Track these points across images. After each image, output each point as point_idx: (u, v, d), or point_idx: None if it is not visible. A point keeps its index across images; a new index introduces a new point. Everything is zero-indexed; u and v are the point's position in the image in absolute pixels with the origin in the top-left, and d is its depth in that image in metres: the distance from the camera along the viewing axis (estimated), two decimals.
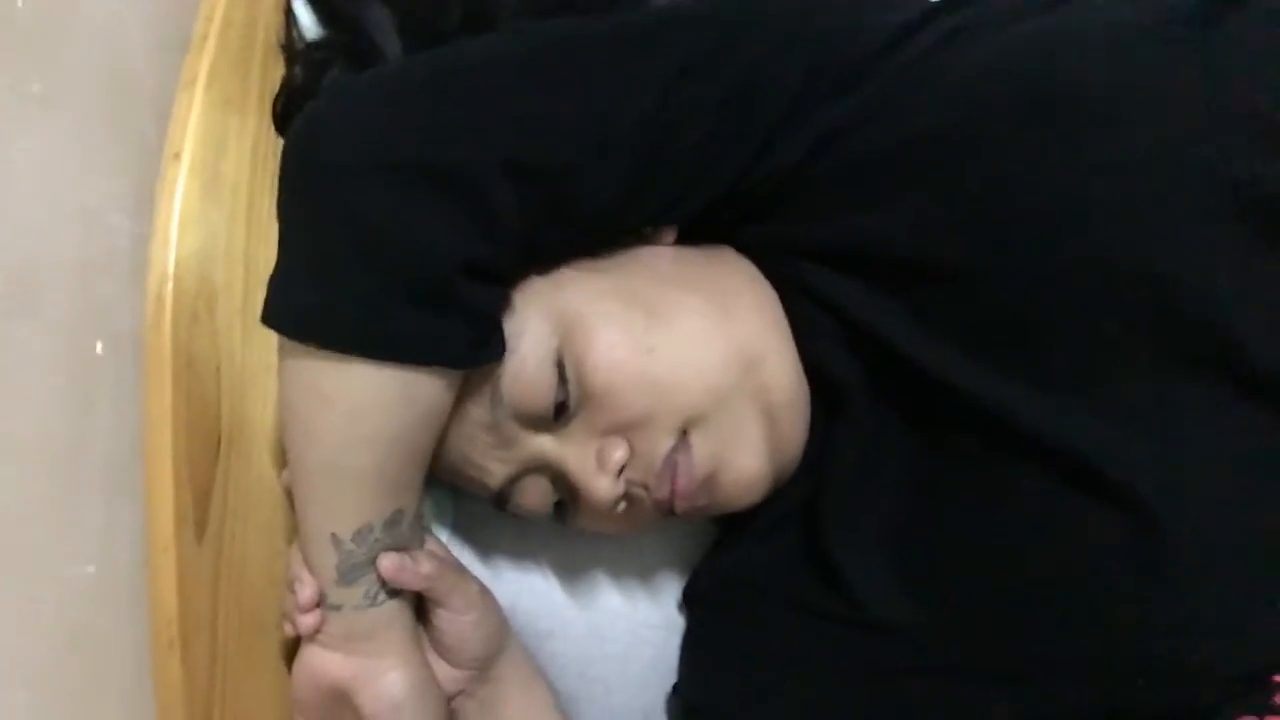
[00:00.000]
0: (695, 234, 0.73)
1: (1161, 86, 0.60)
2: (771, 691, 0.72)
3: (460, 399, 0.66)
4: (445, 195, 0.60)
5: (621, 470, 0.67)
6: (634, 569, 0.80)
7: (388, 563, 0.66)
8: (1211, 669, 0.59)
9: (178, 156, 0.73)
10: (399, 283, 0.60)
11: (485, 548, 0.80)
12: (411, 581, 0.67)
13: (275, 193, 0.65)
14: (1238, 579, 0.59)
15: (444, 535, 0.79)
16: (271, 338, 0.72)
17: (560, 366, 0.67)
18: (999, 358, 0.63)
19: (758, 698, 0.73)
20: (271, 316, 0.63)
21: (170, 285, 0.72)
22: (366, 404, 0.62)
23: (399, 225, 0.60)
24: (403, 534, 0.67)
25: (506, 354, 0.65)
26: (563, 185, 0.63)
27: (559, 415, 0.67)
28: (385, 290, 0.60)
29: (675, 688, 0.78)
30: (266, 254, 0.77)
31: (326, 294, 0.61)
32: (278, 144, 0.79)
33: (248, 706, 0.74)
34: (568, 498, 0.71)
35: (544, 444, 0.68)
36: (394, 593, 0.68)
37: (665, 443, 0.67)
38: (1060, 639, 0.62)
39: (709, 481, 0.69)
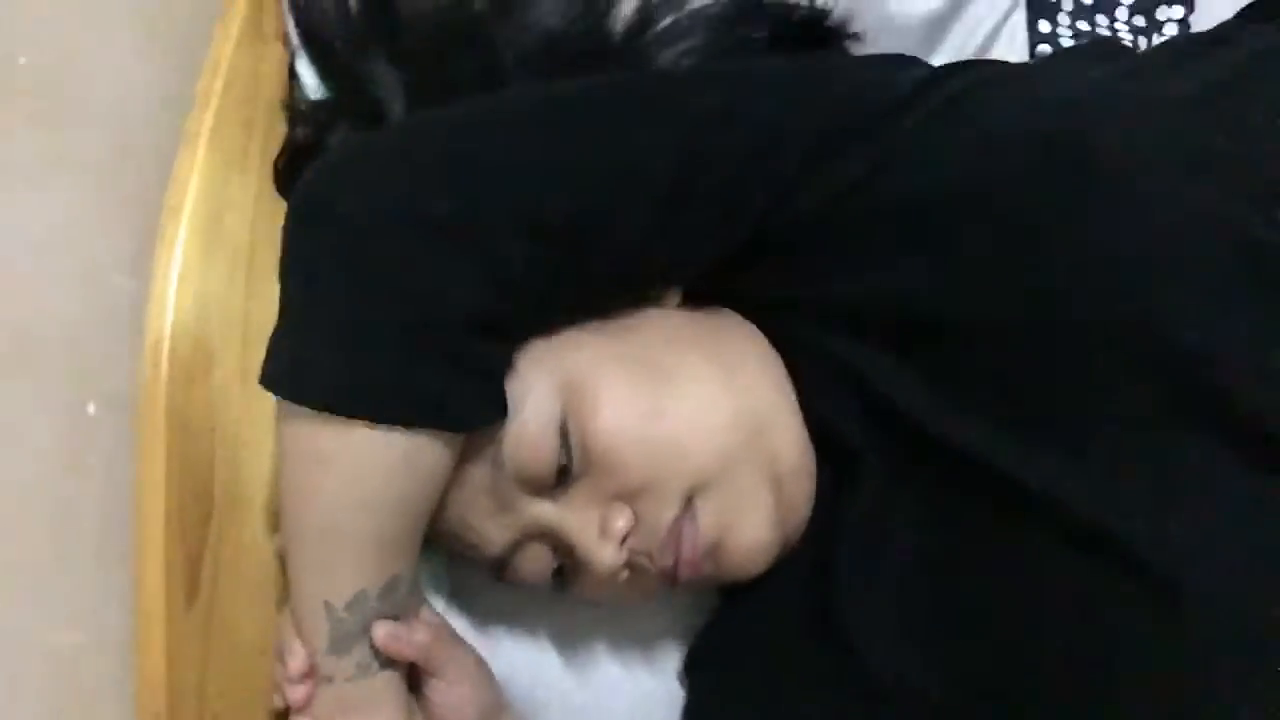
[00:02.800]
0: (699, 297, 0.72)
1: (1182, 148, 0.60)
2: None
3: (460, 462, 0.65)
4: (456, 249, 0.59)
5: (625, 538, 0.66)
6: (633, 638, 0.78)
7: (382, 631, 0.64)
8: None
9: (177, 212, 0.73)
10: (404, 338, 0.59)
11: (482, 617, 0.78)
12: (406, 651, 0.66)
13: (276, 252, 0.65)
14: (1253, 646, 0.58)
15: (440, 604, 0.77)
16: (268, 400, 0.71)
17: (564, 430, 0.65)
18: (1011, 422, 0.62)
19: None
20: (270, 377, 0.62)
21: (166, 345, 0.70)
22: (366, 466, 0.60)
23: (408, 278, 0.59)
24: (399, 602, 0.65)
25: (509, 416, 0.64)
26: (579, 241, 0.62)
27: (561, 480, 0.66)
28: (389, 348, 0.59)
29: None
30: (266, 315, 0.76)
31: (328, 352, 0.60)
32: (279, 204, 0.78)
33: None
34: (569, 565, 0.69)
35: (545, 510, 0.67)
36: (387, 663, 0.66)
37: (671, 510, 0.66)
38: (1076, 708, 0.60)
39: (715, 550, 0.67)
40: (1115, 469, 0.60)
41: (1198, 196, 0.60)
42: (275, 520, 0.73)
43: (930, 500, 0.67)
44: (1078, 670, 0.61)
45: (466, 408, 0.62)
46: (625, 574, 0.67)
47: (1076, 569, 0.61)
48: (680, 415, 0.66)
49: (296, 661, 0.65)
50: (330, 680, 0.65)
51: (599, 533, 0.66)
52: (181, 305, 0.72)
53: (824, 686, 0.69)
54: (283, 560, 0.68)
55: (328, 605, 0.63)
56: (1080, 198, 0.60)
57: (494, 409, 0.63)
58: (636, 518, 0.66)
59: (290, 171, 0.76)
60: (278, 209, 0.77)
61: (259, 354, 0.71)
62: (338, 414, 0.59)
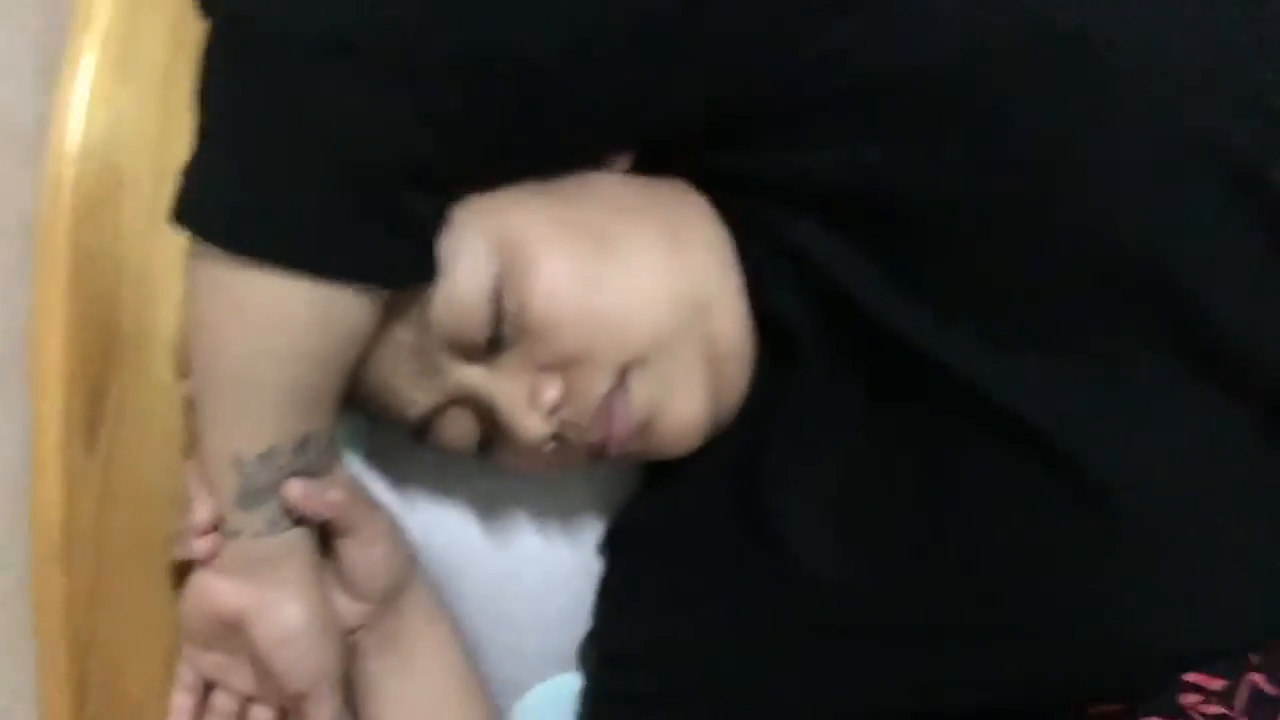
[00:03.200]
0: (649, 164, 0.68)
1: (1169, 48, 0.57)
2: (690, 641, 0.70)
3: (385, 320, 0.61)
4: (394, 87, 0.54)
5: (554, 409, 0.63)
6: (554, 509, 0.77)
7: (294, 489, 0.61)
8: (1146, 650, 0.59)
9: (86, 28, 0.67)
10: (330, 184, 0.55)
11: (400, 479, 0.75)
12: (319, 509, 0.63)
13: (189, 81, 0.59)
14: (1182, 564, 0.58)
15: (356, 464, 0.74)
16: (180, 236, 0.67)
17: (498, 294, 0.62)
18: (964, 318, 0.60)
19: (675, 647, 0.71)
20: (182, 214, 0.57)
21: (71, 170, 0.66)
22: (281, 318, 0.57)
23: (338, 116, 0.54)
24: (312, 460, 0.62)
25: (440, 276, 0.61)
26: (531, 90, 0.57)
27: (491, 346, 0.63)
28: (312, 192, 0.55)
29: (589, 635, 0.76)
30: (183, 146, 0.71)
31: (246, 192, 0.55)
32: (198, 24, 0.72)
33: (133, 629, 0.69)
34: (494, 433, 0.66)
35: (473, 375, 0.64)
36: (298, 520, 0.63)
37: (603, 384, 0.63)
38: (998, 607, 0.61)
39: (645, 427, 0.65)
40: (1065, 375, 0.59)
41: (1198, 116, 0.57)
42: (185, 363, 0.69)
43: (870, 392, 0.65)
44: (1006, 572, 0.60)
45: (394, 263, 0.58)
46: (552, 445, 0.65)
47: (1010, 470, 0.60)
48: (621, 287, 0.63)
49: (203, 513, 0.62)
50: (237, 535, 0.62)
51: (528, 402, 0.63)
52: (90, 128, 0.67)
53: (745, 572, 0.68)
54: (192, 406, 0.64)
55: (237, 458, 0.60)
56: (1065, 94, 0.58)
57: (424, 267, 0.60)
58: (567, 389, 0.63)
59: None
60: (202, 30, 0.71)
61: (170, 187, 0.67)
62: (252, 257, 0.55)
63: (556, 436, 0.65)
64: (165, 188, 0.70)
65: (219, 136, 0.57)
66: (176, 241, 0.68)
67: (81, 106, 0.67)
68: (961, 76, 0.59)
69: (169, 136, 0.71)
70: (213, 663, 0.67)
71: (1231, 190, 0.57)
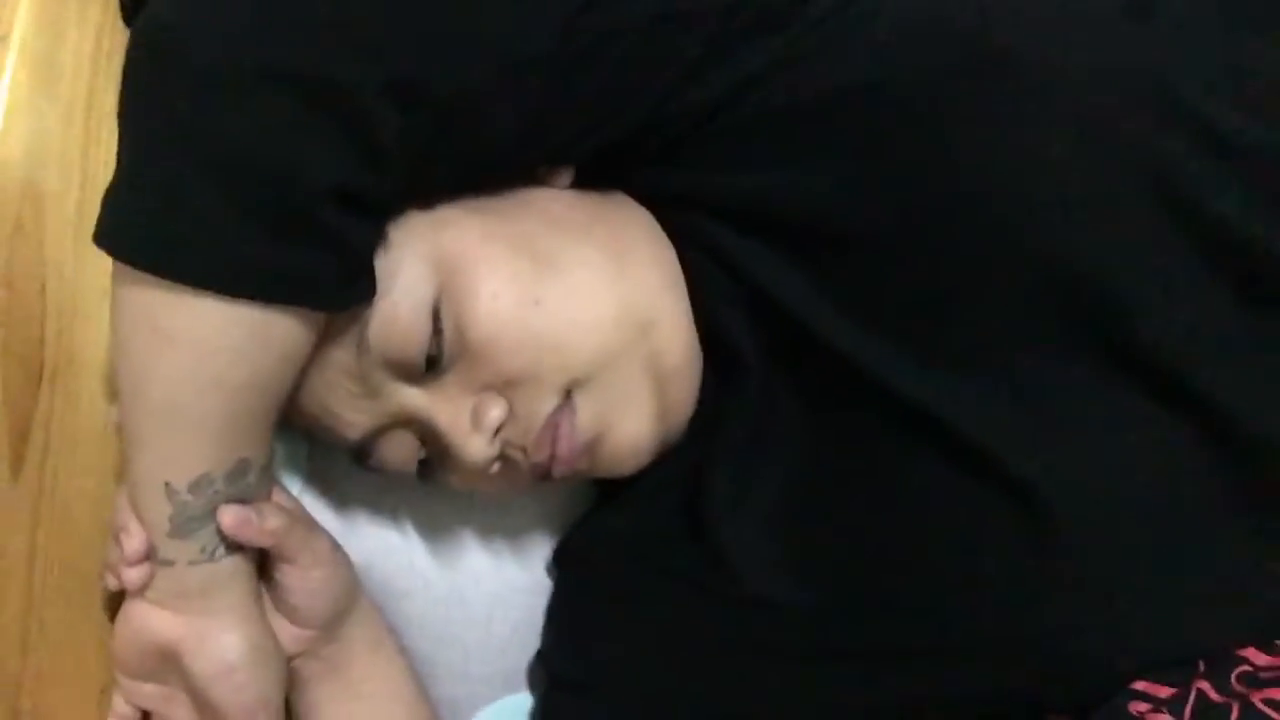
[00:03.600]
0: (590, 177, 0.67)
1: (1102, 66, 0.57)
2: (640, 663, 0.69)
3: (322, 342, 0.59)
4: (320, 111, 0.52)
5: (498, 430, 0.62)
6: (501, 528, 0.75)
7: (229, 517, 0.59)
8: (1093, 665, 0.58)
9: (5, 39, 0.64)
10: (259, 207, 0.53)
11: (341, 500, 0.74)
12: (256, 538, 0.61)
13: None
14: (1128, 577, 0.58)
15: (296, 486, 0.72)
16: (108, 257, 0.65)
17: (436, 314, 0.60)
18: (904, 337, 0.60)
19: (626, 669, 0.70)
20: (105, 236, 0.55)
21: None
22: (213, 345, 0.55)
23: (263, 141, 0.52)
24: (248, 485, 0.60)
25: (377, 296, 0.59)
26: (457, 113, 0.56)
27: (431, 367, 0.61)
28: (242, 215, 0.53)
29: (539, 655, 0.74)
30: (108, 160, 0.69)
31: (171, 215, 0.53)
32: (125, 37, 0.70)
33: (65, 661, 0.67)
34: (436, 456, 0.65)
35: (413, 397, 0.62)
36: (234, 548, 0.61)
37: (547, 404, 0.62)
38: (946, 624, 0.61)
39: (591, 447, 0.64)
40: (1007, 393, 0.58)
41: (1134, 134, 0.57)
42: (115, 390, 0.67)
43: (812, 411, 0.64)
44: (947, 590, 0.60)
45: (329, 285, 0.56)
46: (496, 467, 0.64)
47: (953, 488, 0.60)
48: (563, 306, 0.62)
49: (134, 543, 0.60)
50: (171, 564, 0.60)
51: (470, 424, 0.62)
52: (10, 141, 0.65)
53: (692, 592, 0.67)
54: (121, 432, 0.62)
55: (169, 487, 0.58)
56: (998, 112, 0.57)
57: (360, 287, 0.58)
58: (511, 409, 0.62)
59: (137, 1, 0.67)
60: (124, 43, 0.69)
61: (98, 206, 0.65)
62: (181, 284, 0.53)
63: (501, 457, 0.63)
64: (90, 204, 0.68)
65: (142, 157, 0.54)
66: (104, 262, 0.67)
67: None
68: (893, 97, 0.59)
69: (93, 152, 0.69)
70: (148, 694, 0.65)
71: (1169, 212, 0.56)
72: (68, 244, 0.67)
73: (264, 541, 0.62)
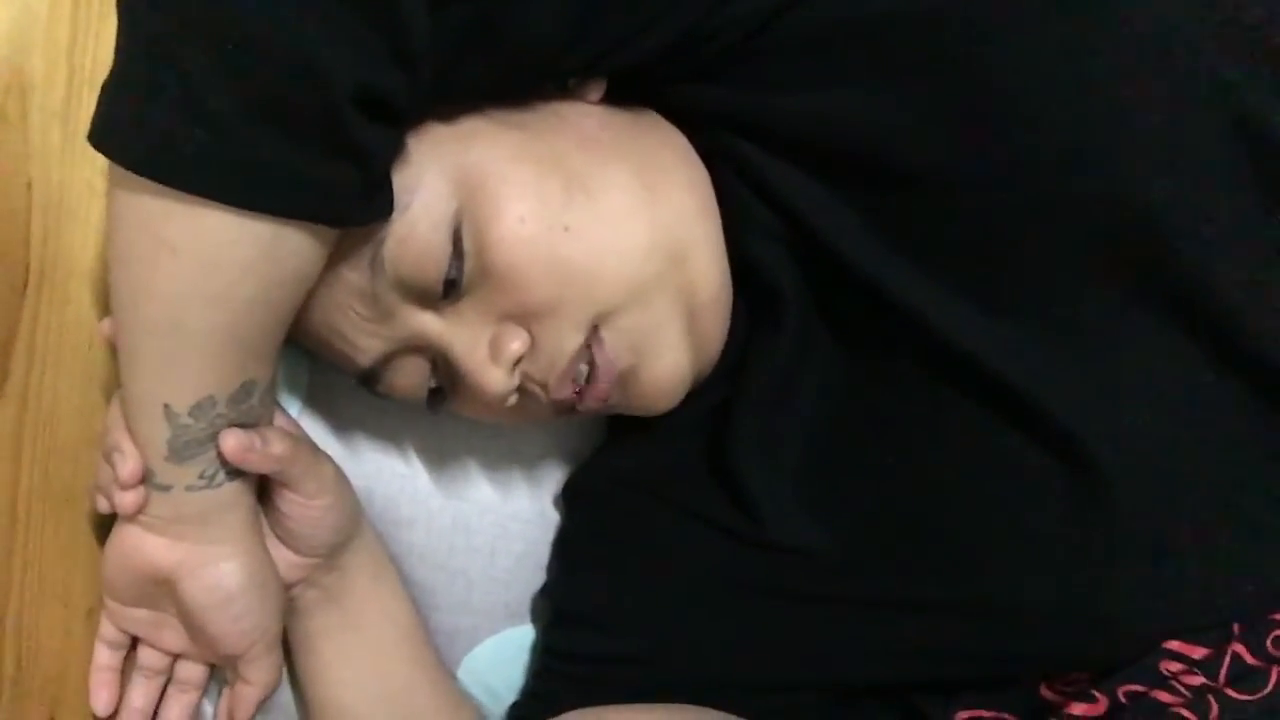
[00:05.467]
0: (623, 94, 0.63)
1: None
2: (649, 599, 0.67)
3: (333, 259, 0.55)
4: (346, 6, 0.47)
5: (517, 363, 0.58)
6: (509, 457, 0.72)
7: (232, 442, 0.56)
8: (1130, 623, 0.57)
9: None
10: (275, 109, 0.48)
11: (343, 424, 0.70)
12: (259, 464, 0.58)
13: None
14: (1172, 538, 0.56)
15: (295, 408, 0.69)
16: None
17: (457, 235, 0.56)
18: (954, 277, 0.57)
19: (633, 604, 0.68)
20: (102, 136, 0.50)
21: None
22: (221, 258, 0.50)
23: (281, 34, 0.47)
24: (251, 409, 0.57)
25: (395, 212, 0.55)
26: (491, 11, 0.52)
27: (449, 292, 0.57)
28: (256, 117, 0.48)
29: (544, 589, 0.72)
30: (97, 49, 0.64)
31: (176, 115, 0.48)
32: None
33: (53, 583, 0.64)
34: (448, 385, 0.62)
35: (428, 322, 0.59)
36: (234, 474, 0.58)
37: (572, 339, 0.58)
38: (974, 577, 0.59)
39: (624, 381, 0.61)
40: (1054, 341, 0.56)
41: (1194, 53, 0.53)
42: (106, 298, 0.63)
43: (849, 353, 0.62)
44: (981, 543, 0.58)
45: (347, 198, 0.51)
46: (513, 400, 0.60)
47: (996, 440, 0.58)
48: (594, 233, 0.57)
49: (128, 465, 0.57)
50: (167, 489, 0.57)
51: (488, 354, 0.58)
52: None
53: (708, 533, 0.66)
54: (114, 346, 0.58)
55: (168, 409, 0.54)
56: (1048, 31, 0.53)
57: (379, 203, 0.54)
58: (533, 342, 0.58)
59: None
60: None
61: (89, 96, 0.60)
62: (188, 191, 0.49)
63: (520, 390, 0.60)
64: (79, 96, 0.63)
65: (145, 51, 0.49)
66: (96, 158, 0.62)
67: None
68: (940, 18, 0.55)
69: (82, 41, 0.64)
70: (138, 619, 0.63)
71: (1231, 139, 0.53)
72: (55, 138, 0.63)
73: (267, 468, 0.59)
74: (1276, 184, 0.54)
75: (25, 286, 0.62)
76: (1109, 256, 0.55)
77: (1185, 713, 0.56)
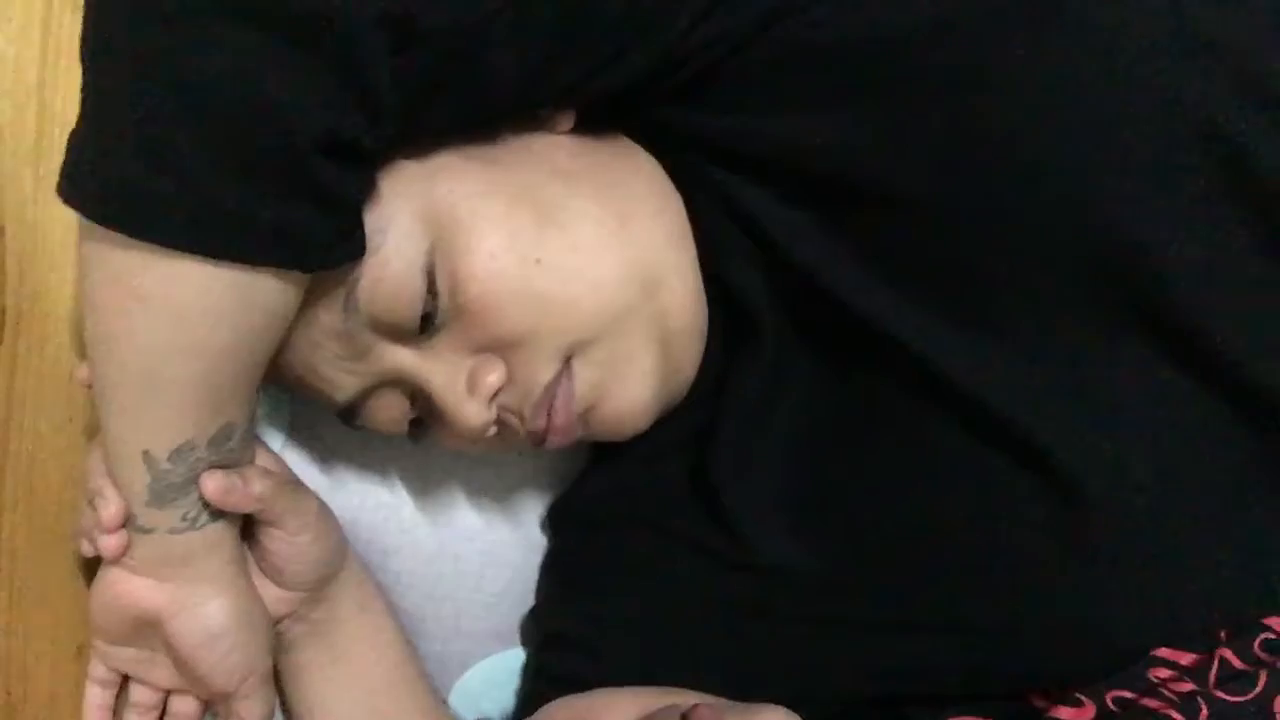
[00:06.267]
0: (593, 120, 0.62)
1: (1158, 28, 0.53)
2: (637, 622, 0.68)
3: (306, 301, 0.55)
4: (307, 49, 0.47)
5: (495, 395, 0.58)
6: (494, 484, 0.72)
7: (212, 484, 0.56)
8: (1114, 637, 0.57)
9: None
10: (240, 157, 0.48)
11: (326, 454, 0.70)
12: (241, 504, 0.58)
13: (79, 21, 0.51)
14: (1149, 547, 0.57)
15: (279, 441, 0.69)
16: None
17: (430, 272, 0.56)
18: (932, 300, 0.57)
19: (621, 626, 0.68)
20: (72, 189, 0.50)
21: None
22: (193, 309, 0.50)
23: (245, 85, 0.47)
24: (231, 450, 0.57)
25: (367, 253, 0.55)
26: (455, 50, 0.51)
27: (425, 328, 0.57)
28: (221, 166, 0.48)
29: (532, 612, 0.73)
30: (68, 87, 0.64)
31: (145, 168, 0.48)
32: None
33: (41, 621, 0.64)
34: (428, 417, 0.62)
35: (404, 358, 0.59)
36: (217, 514, 0.58)
37: (547, 369, 0.59)
38: (960, 597, 0.59)
39: (588, 414, 0.61)
40: (1034, 362, 0.56)
41: (1183, 88, 0.53)
42: (83, 340, 0.63)
43: (828, 375, 0.62)
44: (962, 561, 0.59)
45: (317, 243, 0.51)
46: (492, 431, 0.60)
47: (974, 458, 0.58)
48: (566, 265, 0.57)
49: (109, 510, 0.56)
50: (150, 532, 0.57)
51: (466, 388, 0.58)
52: None
53: (693, 553, 0.66)
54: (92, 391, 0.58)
55: (148, 455, 0.54)
56: (1037, 58, 0.53)
57: (349, 246, 0.53)
58: (509, 373, 0.58)
59: None
60: None
61: (59, 136, 0.59)
62: (154, 242, 0.49)
63: (498, 422, 0.60)
64: (50, 137, 0.63)
65: (110, 101, 0.49)
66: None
67: None
68: (928, 43, 0.54)
69: (51, 80, 0.64)
70: (128, 658, 0.62)
71: (1216, 171, 0.53)
72: (27, 180, 0.63)
73: (249, 508, 0.59)
74: (1252, 203, 0.54)
75: (3, 329, 0.62)
76: (1083, 277, 0.55)
77: (1174, 714, 0.56)
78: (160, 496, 0.56)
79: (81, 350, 0.64)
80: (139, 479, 0.55)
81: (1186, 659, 0.57)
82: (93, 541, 0.59)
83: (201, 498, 0.57)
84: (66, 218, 0.64)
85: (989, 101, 0.54)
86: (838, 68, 0.56)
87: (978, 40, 0.54)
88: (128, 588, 0.59)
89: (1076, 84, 0.53)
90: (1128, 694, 0.58)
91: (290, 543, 0.62)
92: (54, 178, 0.52)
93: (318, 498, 0.64)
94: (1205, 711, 0.56)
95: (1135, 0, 0.53)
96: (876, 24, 0.54)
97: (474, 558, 0.71)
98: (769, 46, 0.56)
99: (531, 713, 0.70)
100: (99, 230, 0.50)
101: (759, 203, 0.59)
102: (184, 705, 0.64)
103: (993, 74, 0.53)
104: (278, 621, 0.64)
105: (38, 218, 0.63)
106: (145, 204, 0.48)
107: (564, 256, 0.58)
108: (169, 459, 0.55)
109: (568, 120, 0.62)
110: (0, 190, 0.61)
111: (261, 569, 0.63)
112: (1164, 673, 0.57)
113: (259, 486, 0.58)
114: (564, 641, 0.70)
